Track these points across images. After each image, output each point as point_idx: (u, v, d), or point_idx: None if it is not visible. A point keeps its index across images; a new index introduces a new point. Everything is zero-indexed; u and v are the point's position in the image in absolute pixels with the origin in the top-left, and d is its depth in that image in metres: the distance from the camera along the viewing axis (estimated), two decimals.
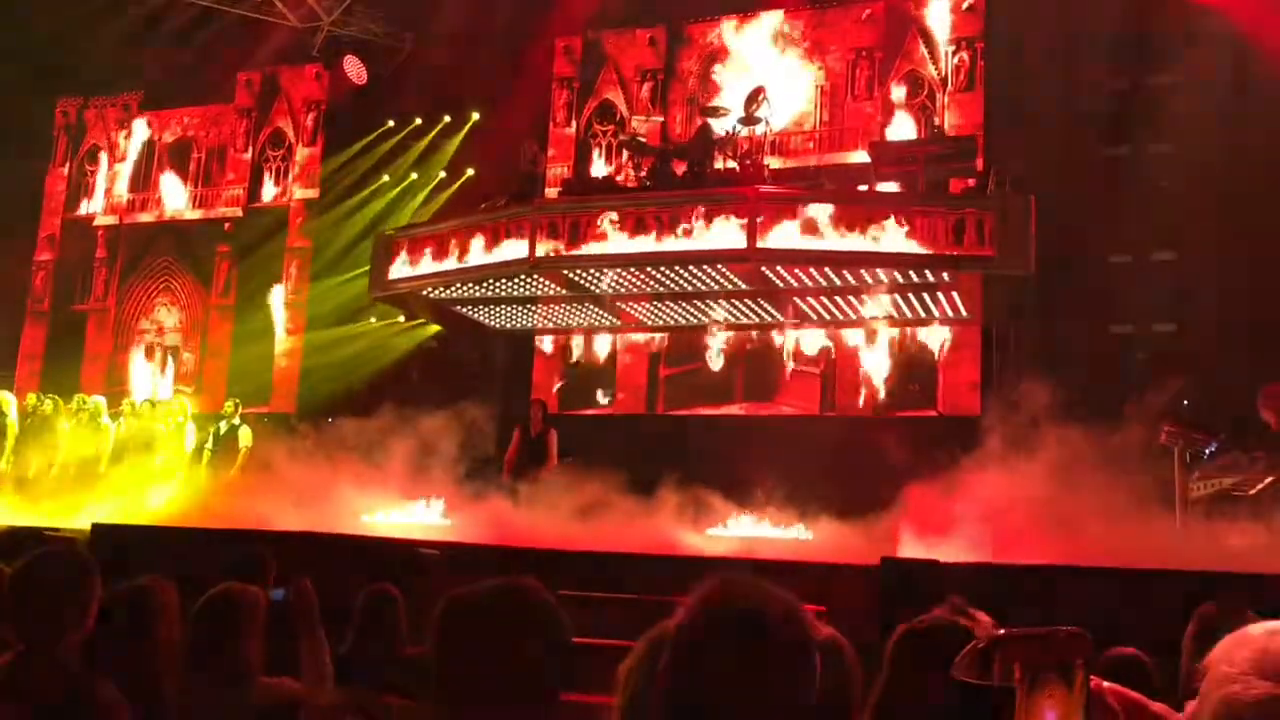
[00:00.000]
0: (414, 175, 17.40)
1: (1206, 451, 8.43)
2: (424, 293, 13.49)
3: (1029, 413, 8.89)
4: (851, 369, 14.16)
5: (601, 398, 15.31)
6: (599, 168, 16.43)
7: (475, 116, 16.99)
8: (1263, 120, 11.90)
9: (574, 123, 16.73)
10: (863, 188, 13.54)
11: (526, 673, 1.99)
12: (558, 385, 15.48)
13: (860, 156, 14.59)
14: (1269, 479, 8.00)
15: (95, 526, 9.15)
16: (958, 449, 8.93)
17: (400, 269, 13.14)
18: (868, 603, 6.60)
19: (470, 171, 16.87)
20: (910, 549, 7.90)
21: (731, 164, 12.41)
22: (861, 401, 14.01)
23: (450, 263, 12.60)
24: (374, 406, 12.48)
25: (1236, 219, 12.01)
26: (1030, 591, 6.15)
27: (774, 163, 14.21)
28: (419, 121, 17.36)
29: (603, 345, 15.44)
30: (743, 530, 10.17)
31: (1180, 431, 8.43)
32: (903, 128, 14.76)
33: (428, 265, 12.88)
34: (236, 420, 14.11)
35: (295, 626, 4.02)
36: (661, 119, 15.12)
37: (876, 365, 14.00)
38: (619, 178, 14.24)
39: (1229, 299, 12.27)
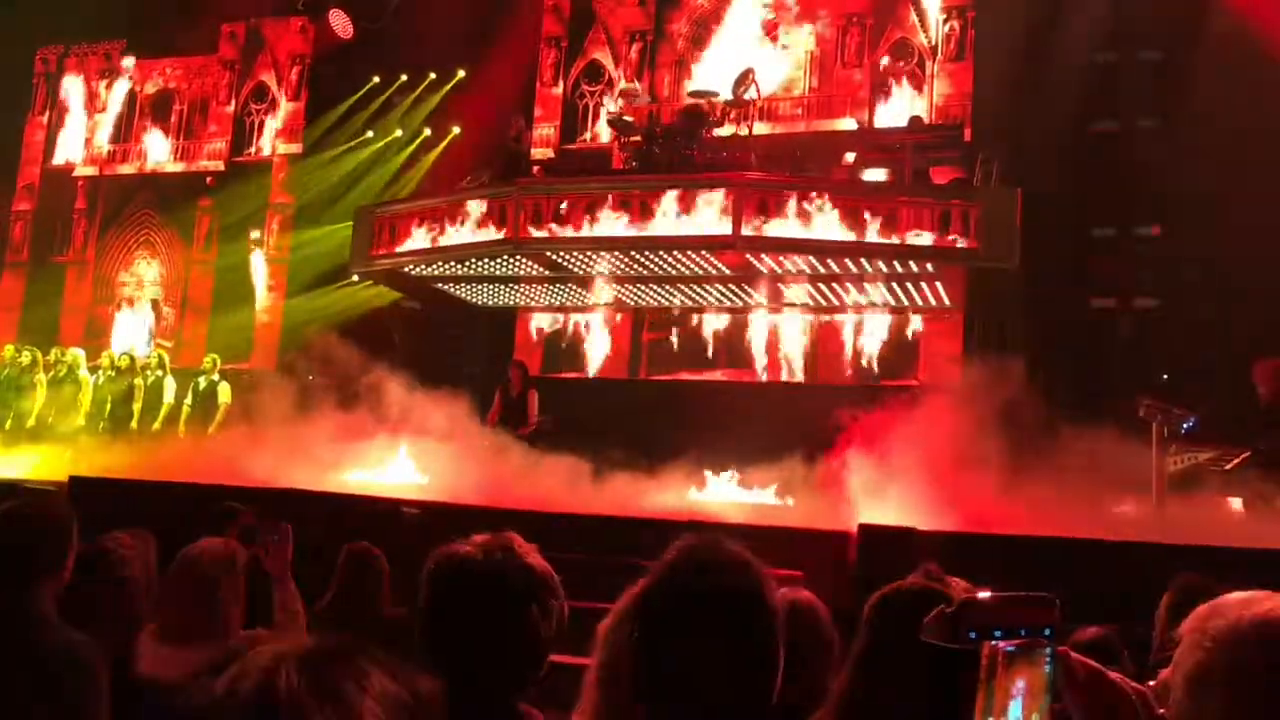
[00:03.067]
0: (399, 132, 17.25)
1: (1184, 426, 8.49)
2: (405, 269, 13.40)
3: (1008, 385, 8.93)
4: (835, 339, 14.17)
5: (583, 362, 15.28)
6: (584, 132, 16.33)
7: (461, 74, 16.82)
8: (1252, 94, 11.89)
9: (561, 83, 16.59)
10: (850, 156, 13.50)
11: (520, 634, 1.97)
12: (540, 348, 15.43)
13: (849, 124, 14.55)
14: (1245, 454, 8.07)
15: (73, 479, 9.11)
16: (937, 419, 8.97)
17: (381, 245, 13.06)
18: (845, 568, 6.65)
19: (456, 130, 16.73)
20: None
21: (724, 130, 12.34)
22: (844, 370, 14.02)
23: (432, 240, 12.53)
24: (355, 365, 12.42)
25: (1222, 194, 12.03)
26: (1005, 560, 6.19)
27: (762, 128, 14.14)
28: (404, 78, 17.18)
29: (585, 311, 15.39)
30: (723, 495, 10.20)
31: (1159, 406, 8.48)
32: (891, 101, 14.70)
33: (409, 243, 12.79)
34: (216, 376, 14.03)
35: (270, 573, 4.02)
36: (649, 98, 14.88)
37: (859, 335, 14.00)
38: (606, 134, 14.14)
39: (1212, 275, 12.32)
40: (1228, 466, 8.26)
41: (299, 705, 0.91)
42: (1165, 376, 10.38)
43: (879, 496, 8.28)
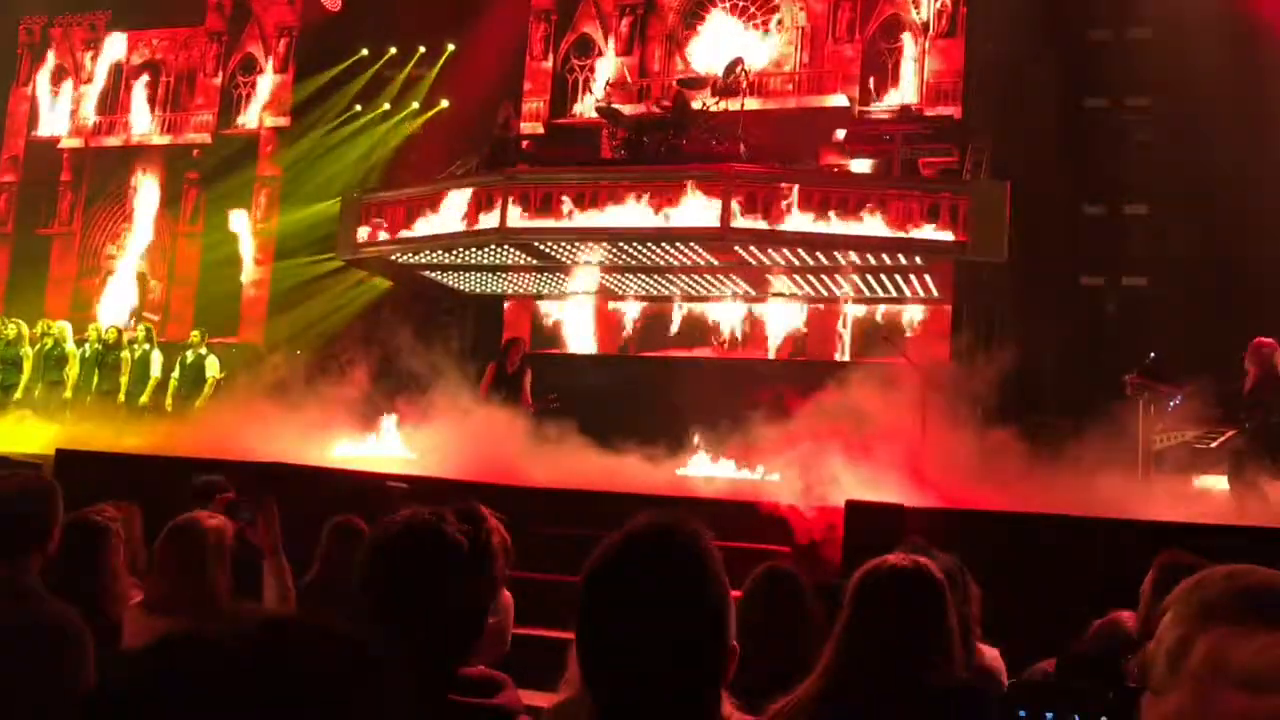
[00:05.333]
0: (387, 106, 17.15)
1: (1171, 403, 8.53)
2: (392, 257, 13.34)
3: (996, 362, 8.97)
4: (823, 317, 14.17)
5: (573, 338, 15.25)
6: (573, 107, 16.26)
7: (451, 47, 16.71)
8: (1242, 75, 11.89)
9: (551, 56, 16.49)
10: (840, 133, 13.46)
11: (449, 597, 2.00)
12: (528, 325, 15.39)
13: (840, 100, 14.49)
14: (1230, 432, 8.10)
15: (59, 452, 9.07)
16: (926, 395, 8.99)
17: (367, 233, 13.00)
18: (832, 544, 6.67)
19: (445, 103, 16.64)
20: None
21: (716, 104, 12.28)
22: (831, 350, 14.03)
23: (418, 229, 12.46)
24: (343, 339, 12.39)
25: (1210, 173, 12.05)
26: (992, 536, 6.21)
27: (753, 104, 14.08)
28: (393, 50, 17.06)
29: (575, 288, 15.35)
30: (710, 471, 10.21)
31: (1146, 383, 8.51)
32: (883, 85, 14.65)
33: (396, 231, 12.74)
34: (203, 350, 13.95)
35: (261, 547, 4.01)
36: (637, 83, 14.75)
37: (848, 314, 14.00)
38: (597, 107, 14.06)
39: (1201, 253, 12.35)
40: (1214, 444, 8.30)
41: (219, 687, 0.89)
42: (1153, 354, 10.40)
43: (864, 473, 8.31)
